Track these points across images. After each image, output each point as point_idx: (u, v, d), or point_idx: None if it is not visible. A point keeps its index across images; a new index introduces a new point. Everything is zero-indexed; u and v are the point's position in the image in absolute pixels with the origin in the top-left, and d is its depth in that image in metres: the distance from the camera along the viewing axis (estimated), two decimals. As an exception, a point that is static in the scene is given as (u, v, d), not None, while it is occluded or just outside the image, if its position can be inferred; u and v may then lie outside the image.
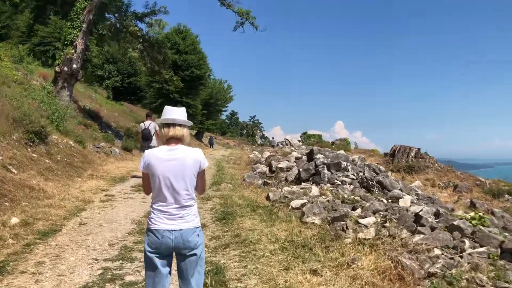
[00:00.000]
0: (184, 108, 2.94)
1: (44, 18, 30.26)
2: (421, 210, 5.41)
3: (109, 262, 4.70)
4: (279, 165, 10.17)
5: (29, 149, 9.49)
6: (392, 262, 4.14)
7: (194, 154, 2.77)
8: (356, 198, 7.22)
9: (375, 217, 5.70)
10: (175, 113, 2.82)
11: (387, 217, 5.57)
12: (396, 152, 15.92)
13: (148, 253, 2.67)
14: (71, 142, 12.33)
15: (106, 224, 6.47)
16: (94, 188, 9.39)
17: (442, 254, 4.19)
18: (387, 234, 4.99)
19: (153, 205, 2.74)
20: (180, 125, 2.80)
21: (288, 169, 9.97)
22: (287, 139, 22.81)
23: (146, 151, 2.82)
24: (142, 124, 11.00)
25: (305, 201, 6.78)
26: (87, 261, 4.71)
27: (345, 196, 7.52)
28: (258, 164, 11.44)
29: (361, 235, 4.99)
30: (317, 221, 5.89)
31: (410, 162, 15.07)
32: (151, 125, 10.71)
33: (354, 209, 6.33)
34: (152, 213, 2.73)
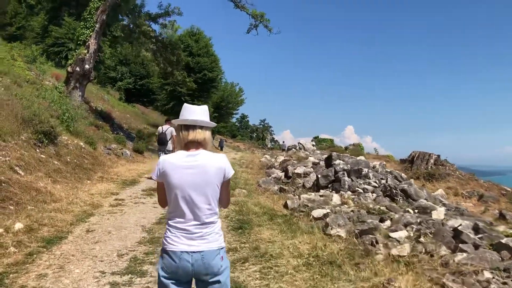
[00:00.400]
0: (206, 107, 2.48)
1: (58, 19, 30.32)
2: (460, 224, 4.91)
3: (117, 276, 4.28)
4: (296, 171, 9.71)
5: (37, 150, 9.17)
6: (434, 285, 3.66)
7: (217, 160, 2.34)
8: (382, 208, 6.72)
9: (407, 231, 5.21)
10: (196, 112, 2.38)
11: (421, 231, 5.07)
12: (415, 158, 15.34)
13: (162, 278, 2.23)
14: (82, 143, 12.02)
15: (115, 231, 6.07)
16: (103, 191, 9.03)
17: (493, 277, 3.70)
18: (424, 250, 4.50)
19: (169, 222, 2.31)
20: (201, 127, 2.37)
21: (306, 175, 9.50)
22: (300, 143, 22.31)
23: (161, 157, 2.39)
24: (160, 128, 11.33)
25: (328, 210, 6.30)
26: (93, 274, 4.30)
27: (370, 205, 7.02)
28: (273, 169, 10.99)
29: (394, 251, 4.51)
30: (342, 233, 5.41)
31: (429, 169, 14.47)
32: (168, 130, 10.93)
33: (382, 220, 5.84)
34: (168, 231, 2.30)
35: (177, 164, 2.28)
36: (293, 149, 22.26)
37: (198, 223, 2.26)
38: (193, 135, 2.34)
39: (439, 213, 6.12)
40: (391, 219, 5.77)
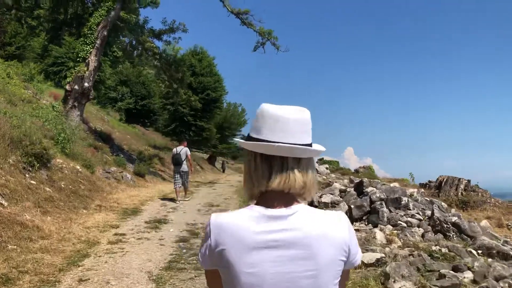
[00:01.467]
0: (307, 113, 1.13)
1: (59, 39, 29.68)
2: None
3: None
4: (323, 200, 8.50)
5: (26, 175, 7.97)
6: None
7: (332, 227, 1.08)
8: (443, 250, 5.48)
9: None
10: (290, 128, 1.07)
11: (525, 289, 3.84)
12: (443, 183, 14.12)
13: None
14: (78, 167, 10.82)
15: (114, 281, 4.81)
16: (101, 223, 7.80)
17: None
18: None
19: None
20: (298, 161, 1.09)
21: (334, 204, 8.28)
22: (313, 167, 21.14)
23: (213, 218, 1.10)
24: (174, 149, 11.36)
25: (382, 254, 5.06)
26: None
27: (427, 246, 5.77)
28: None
29: (501, 322, 3.26)
30: None
31: (460, 196, 13.24)
32: (183, 150, 10.99)
33: (455, 269, 4.59)
34: None
35: (250, 240, 1.03)
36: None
37: None
38: (282, 179, 1.06)
39: (532, 261, 4.91)
40: (469, 269, 4.52)
